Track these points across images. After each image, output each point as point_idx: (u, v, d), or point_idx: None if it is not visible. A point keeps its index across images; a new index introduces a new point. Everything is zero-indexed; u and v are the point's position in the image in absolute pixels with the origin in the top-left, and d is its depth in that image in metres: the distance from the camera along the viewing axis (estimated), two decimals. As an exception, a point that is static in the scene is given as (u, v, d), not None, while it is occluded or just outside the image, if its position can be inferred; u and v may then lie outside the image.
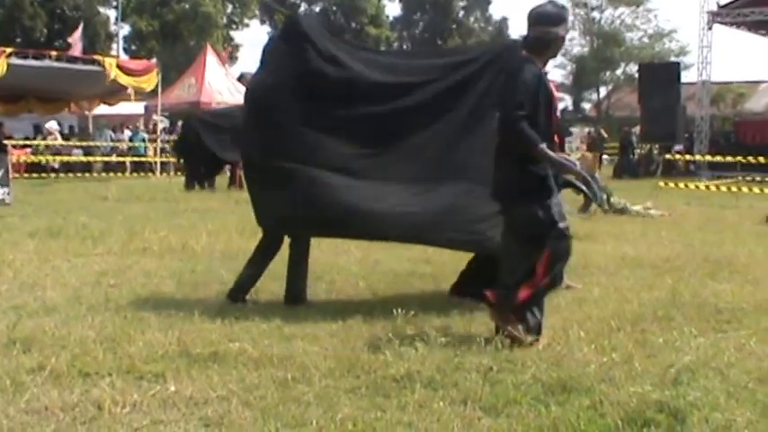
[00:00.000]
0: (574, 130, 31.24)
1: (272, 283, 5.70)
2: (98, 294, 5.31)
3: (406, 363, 3.51)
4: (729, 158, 15.29)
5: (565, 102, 47.18)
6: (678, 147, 22.10)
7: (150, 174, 20.01)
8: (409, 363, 3.49)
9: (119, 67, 20.03)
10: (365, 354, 3.75)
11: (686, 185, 12.57)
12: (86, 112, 23.16)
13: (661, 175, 18.90)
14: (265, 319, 4.63)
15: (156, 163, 20.22)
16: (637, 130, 23.58)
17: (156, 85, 21.94)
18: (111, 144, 20.65)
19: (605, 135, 24.00)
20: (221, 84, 24.66)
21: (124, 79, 18.80)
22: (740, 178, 14.58)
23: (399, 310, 4.76)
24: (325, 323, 4.53)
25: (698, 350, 3.66)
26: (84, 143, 20.14)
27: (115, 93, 21.54)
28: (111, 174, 18.79)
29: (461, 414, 2.90)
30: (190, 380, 3.40)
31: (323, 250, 7.53)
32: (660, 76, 22.16)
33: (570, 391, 3.03)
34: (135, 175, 18.99)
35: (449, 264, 6.74)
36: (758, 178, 14.42)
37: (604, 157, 24.95)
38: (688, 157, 18.68)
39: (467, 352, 3.64)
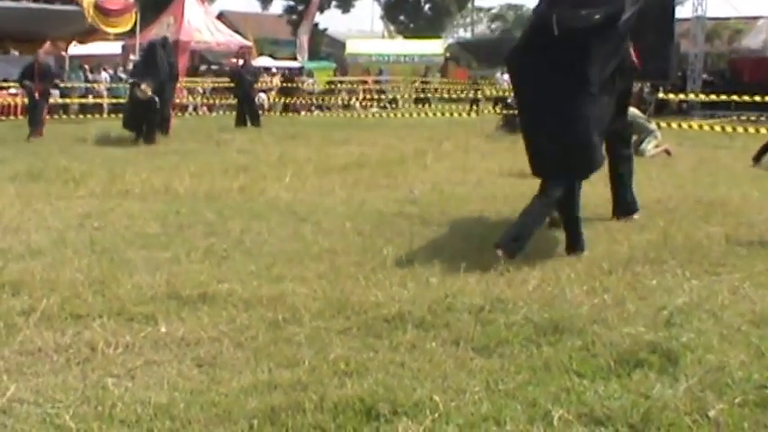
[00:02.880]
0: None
1: (258, 223, 5.67)
2: (83, 237, 5.25)
3: (397, 303, 3.51)
4: (723, 97, 14.90)
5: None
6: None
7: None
8: (400, 303, 3.48)
9: (96, 6, 19.45)
10: (355, 295, 3.74)
11: (679, 125, 12.46)
12: (63, 53, 22.60)
13: (653, 114, 18.70)
14: (252, 260, 4.61)
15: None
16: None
17: (135, 25, 21.44)
18: (87, 85, 20.20)
19: None
20: (200, 22, 24.12)
21: (101, 22, 18.32)
22: (734, 118, 14.25)
23: (389, 251, 4.80)
24: (313, 264, 4.51)
25: (691, 292, 3.68)
26: (62, 83, 19.68)
27: (93, 32, 21.02)
28: (89, 115, 18.40)
29: (454, 354, 2.91)
30: (180, 321, 3.39)
31: (307, 191, 7.50)
32: (653, 12, 21.75)
33: (562, 331, 3.05)
34: (113, 116, 18.62)
35: (435, 204, 6.74)
36: (753, 117, 14.07)
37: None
38: (681, 96, 18.41)
39: (458, 292, 3.64)
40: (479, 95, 22.09)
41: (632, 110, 11.48)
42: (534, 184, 7.62)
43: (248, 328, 3.28)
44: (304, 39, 30.67)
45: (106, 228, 5.61)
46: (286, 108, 21.83)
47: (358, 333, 3.20)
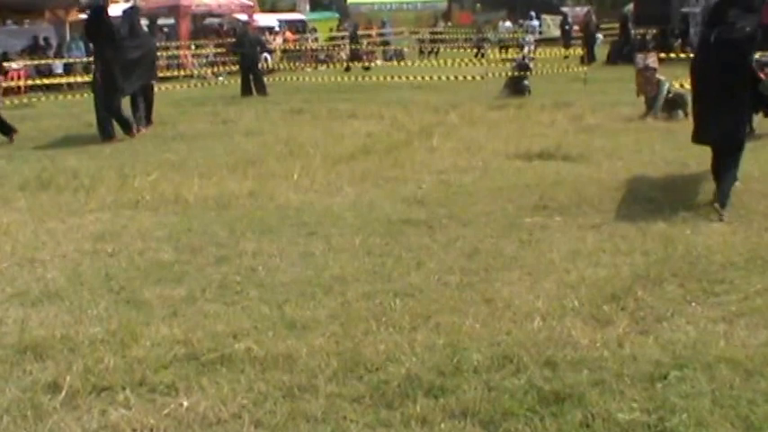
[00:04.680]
0: (565, 9, 30.14)
1: (269, 241, 5.67)
2: (97, 268, 5.39)
3: (406, 362, 3.63)
4: None
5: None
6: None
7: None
8: (410, 364, 3.61)
9: (92, -29, 19.22)
10: (366, 346, 3.86)
11: (681, 85, 12.32)
12: (64, 22, 22.45)
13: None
14: (266, 295, 4.72)
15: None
16: (631, 7, 22.89)
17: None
18: (88, 60, 20.07)
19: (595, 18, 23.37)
20: (201, -16, 23.81)
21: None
22: None
23: (397, 276, 4.92)
24: (325, 298, 4.63)
25: (688, 335, 3.78)
26: (63, 60, 19.61)
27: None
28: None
29: (462, 431, 3.05)
30: (201, 391, 3.52)
31: (316, 191, 7.58)
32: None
33: (564, 400, 3.16)
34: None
35: (442, 204, 6.81)
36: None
37: (598, 36, 24.39)
38: (683, 55, 17.96)
39: (464, 348, 3.75)
40: (484, 60, 21.88)
41: (664, 78, 11.40)
42: (536, 168, 7.73)
43: (266, 399, 3.41)
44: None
45: (120, 253, 5.73)
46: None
47: (371, 402, 3.33)
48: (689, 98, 10.67)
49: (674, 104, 10.88)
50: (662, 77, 11.34)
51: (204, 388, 3.56)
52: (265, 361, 3.78)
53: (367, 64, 22.24)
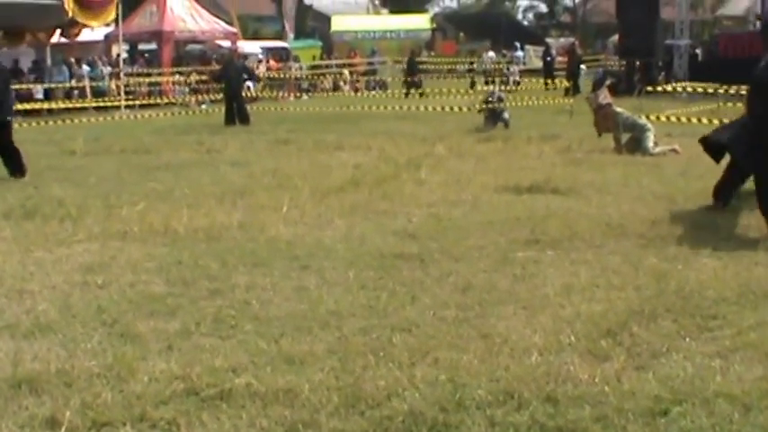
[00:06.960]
0: (549, 40, 30.48)
1: (262, 274, 5.62)
2: (88, 301, 5.32)
3: (408, 399, 3.63)
4: (712, 86, 14.85)
5: (537, 6, 46.41)
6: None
7: (115, 112, 19.58)
8: (412, 400, 3.61)
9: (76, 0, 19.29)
10: (367, 381, 3.86)
11: (668, 118, 12.58)
12: (45, 45, 22.39)
13: (639, 94, 18.60)
14: (261, 329, 4.69)
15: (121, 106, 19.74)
16: (615, 39, 23.38)
17: (117, 16, 21.28)
18: (72, 86, 20.02)
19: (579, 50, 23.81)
20: (184, 10, 23.90)
21: (82, 17, 18.16)
22: (722, 104, 14.28)
23: (392, 311, 4.93)
24: (321, 333, 4.62)
25: (685, 371, 3.83)
26: (44, 85, 19.52)
27: (75, 25, 20.87)
28: (76, 120, 18.20)
29: (468, 471, 3.05)
30: (202, 427, 3.48)
31: (306, 223, 7.58)
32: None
33: (568, 436, 3.20)
34: (101, 119, 18.48)
35: (433, 238, 6.84)
36: (740, 104, 14.12)
37: (582, 67, 24.78)
38: (669, 87, 18.26)
39: (465, 384, 3.76)
40: (472, 92, 22.11)
41: (620, 109, 11.67)
42: (526, 202, 7.81)
43: (268, 436, 3.39)
44: (290, 14, 30.41)
45: (110, 285, 5.67)
46: None
47: (375, 439, 3.33)
48: (648, 129, 11.06)
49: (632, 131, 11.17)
50: (617, 108, 11.60)
51: (206, 424, 3.53)
52: (266, 396, 3.75)
53: (421, 91, 22.91)
